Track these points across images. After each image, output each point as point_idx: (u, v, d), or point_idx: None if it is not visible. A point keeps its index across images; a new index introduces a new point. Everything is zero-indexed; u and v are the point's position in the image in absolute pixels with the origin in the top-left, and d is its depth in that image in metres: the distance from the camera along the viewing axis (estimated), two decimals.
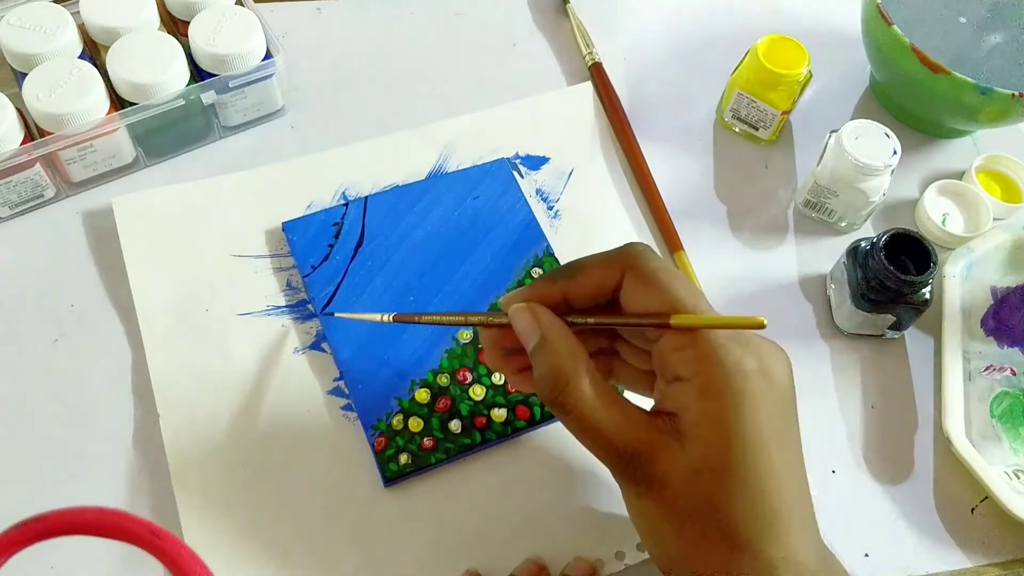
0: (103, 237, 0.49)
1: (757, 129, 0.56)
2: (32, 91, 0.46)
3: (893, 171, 0.50)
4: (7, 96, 0.47)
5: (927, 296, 0.47)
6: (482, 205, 0.51)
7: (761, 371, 0.32)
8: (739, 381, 0.32)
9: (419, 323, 0.40)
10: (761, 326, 0.31)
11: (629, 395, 0.37)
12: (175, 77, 0.49)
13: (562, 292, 0.36)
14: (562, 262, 0.49)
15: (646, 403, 0.35)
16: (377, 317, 0.41)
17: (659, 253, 0.51)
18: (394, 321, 0.40)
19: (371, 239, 0.49)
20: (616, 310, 0.36)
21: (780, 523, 0.32)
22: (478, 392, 0.45)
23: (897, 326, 0.49)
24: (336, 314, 0.46)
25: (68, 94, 0.46)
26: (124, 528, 0.23)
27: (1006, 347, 0.49)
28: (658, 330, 0.34)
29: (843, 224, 0.54)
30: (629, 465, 0.33)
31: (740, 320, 0.31)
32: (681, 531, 0.33)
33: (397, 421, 0.44)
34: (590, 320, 0.35)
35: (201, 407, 0.44)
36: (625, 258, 0.35)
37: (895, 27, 0.51)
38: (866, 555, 0.44)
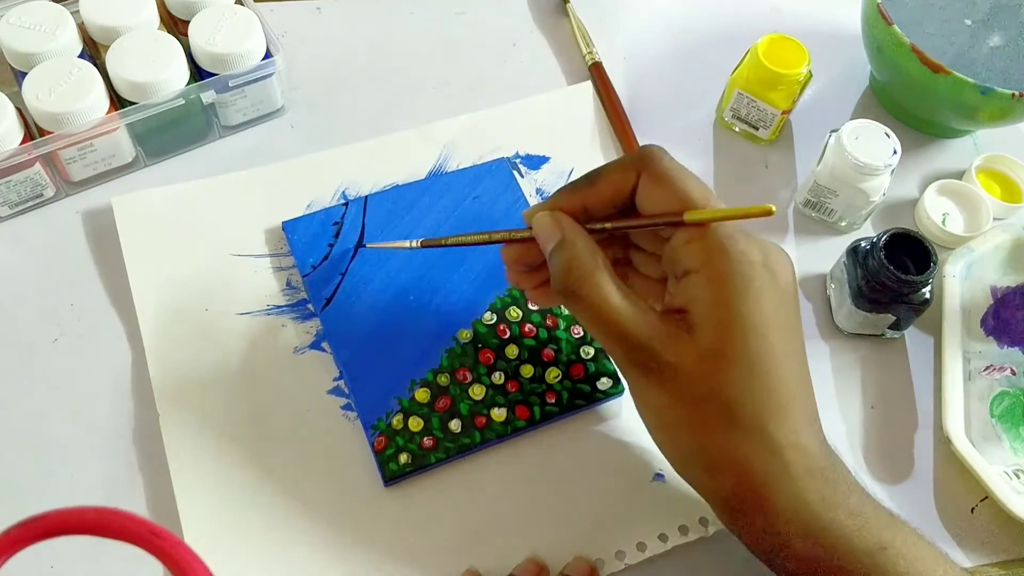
0: (103, 237, 0.49)
1: (757, 129, 0.56)
2: (32, 91, 0.46)
3: (893, 171, 0.50)
4: (7, 96, 0.47)
5: (927, 296, 0.47)
6: (482, 205, 0.51)
7: (765, 264, 0.34)
8: (745, 269, 0.33)
9: (446, 246, 0.42)
10: (769, 213, 0.33)
11: None
12: (175, 76, 0.49)
13: (582, 201, 0.37)
14: None
15: None
16: (406, 244, 0.43)
17: None
18: (422, 246, 0.42)
19: (371, 239, 0.49)
20: (633, 216, 0.37)
21: (786, 409, 0.33)
22: (478, 392, 0.45)
23: (897, 326, 0.49)
24: (368, 244, 0.48)
25: (68, 93, 0.46)
26: (124, 528, 0.23)
27: (1006, 347, 0.49)
28: (670, 229, 0.36)
29: (843, 224, 0.54)
30: (640, 354, 0.34)
31: (749, 209, 0.33)
32: (691, 418, 0.34)
33: (397, 421, 0.44)
34: (608, 225, 0.37)
35: (201, 407, 0.44)
36: (640, 160, 0.36)
37: (895, 27, 0.51)
38: None
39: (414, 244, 0.43)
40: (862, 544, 0.33)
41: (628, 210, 0.37)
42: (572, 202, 0.37)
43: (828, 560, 0.33)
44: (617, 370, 0.46)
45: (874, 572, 0.33)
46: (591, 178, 0.37)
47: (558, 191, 0.38)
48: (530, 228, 0.38)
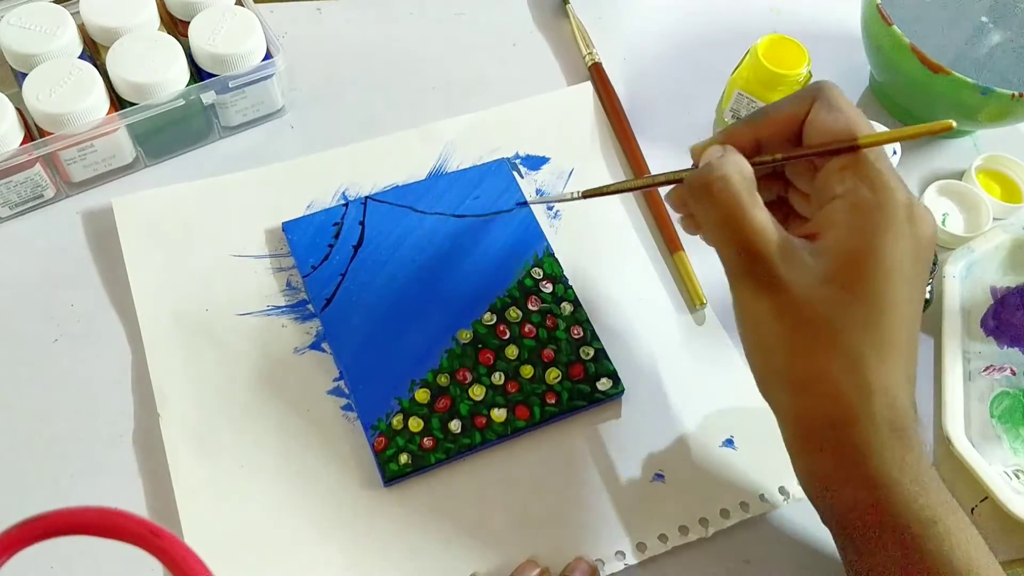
0: (103, 237, 0.49)
1: None
2: (32, 91, 0.46)
3: None
4: (7, 96, 0.47)
5: (927, 296, 0.47)
6: (482, 205, 0.51)
7: (909, 209, 0.34)
8: (890, 206, 0.33)
9: (608, 193, 0.43)
10: (949, 128, 0.33)
11: None
12: (175, 77, 0.49)
13: (755, 133, 0.37)
14: (562, 262, 0.49)
15: None
16: (568, 196, 0.44)
17: (658, 253, 0.52)
18: (583, 197, 0.43)
19: (371, 239, 0.49)
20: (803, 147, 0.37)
21: (888, 353, 0.33)
22: (478, 392, 0.45)
23: None
24: (529, 202, 0.51)
25: (68, 94, 0.47)
26: (124, 528, 0.23)
27: (1006, 347, 0.49)
28: (831, 157, 0.35)
29: None
30: (756, 264, 0.34)
31: (927, 127, 0.33)
32: (792, 336, 0.34)
33: (397, 421, 0.44)
34: (779, 156, 0.37)
35: (201, 407, 0.44)
36: (815, 89, 0.37)
37: (895, 27, 0.51)
38: None
39: (575, 195, 0.43)
40: (918, 512, 0.33)
41: (796, 145, 0.37)
42: (744, 134, 0.37)
43: (878, 515, 0.33)
44: (616, 370, 0.46)
45: (922, 542, 0.33)
46: (764, 111, 0.38)
47: (730, 125, 0.38)
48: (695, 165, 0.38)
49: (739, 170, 0.35)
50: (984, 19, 0.60)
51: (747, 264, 0.34)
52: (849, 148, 0.35)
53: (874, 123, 0.51)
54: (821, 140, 0.36)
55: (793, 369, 0.34)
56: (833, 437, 0.34)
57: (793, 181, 0.39)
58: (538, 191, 0.53)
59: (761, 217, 0.34)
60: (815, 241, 0.34)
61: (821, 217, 0.35)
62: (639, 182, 0.42)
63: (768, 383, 0.36)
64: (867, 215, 0.33)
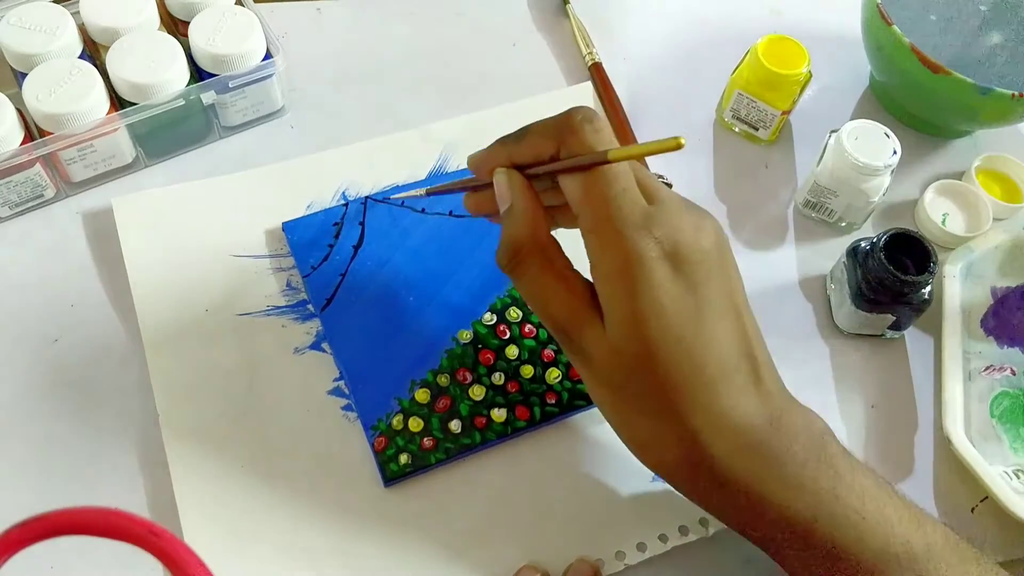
0: (103, 237, 0.49)
1: (757, 129, 0.56)
2: (32, 91, 0.46)
3: (893, 171, 0.50)
4: (7, 96, 0.47)
5: (927, 296, 0.47)
6: None
7: (667, 252, 0.33)
8: (636, 270, 0.33)
9: (445, 192, 0.44)
10: (679, 146, 0.30)
11: None
12: (175, 77, 0.49)
13: (509, 156, 0.38)
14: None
15: None
16: (417, 192, 0.46)
17: None
18: (427, 194, 0.45)
19: (371, 239, 0.49)
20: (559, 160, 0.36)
21: (701, 393, 0.34)
22: (478, 392, 0.45)
23: (897, 326, 0.49)
24: (393, 197, 0.51)
25: (68, 94, 0.46)
26: (124, 528, 0.23)
27: (1006, 347, 0.49)
28: (574, 210, 0.35)
29: (843, 224, 0.54)
30: (565, 337, 0.36)
31: (660, 144, 0.31)
32: (614, 401, 0.36)
33: (397, 421, 0.44)
34: (540, 170, 0.37)
35: (201, 407, 0.44)
36: (560, 130, 0.35)
37: (895, 27, 0.51)
38: None
39: (421, 192, 0.45)
40: (793, 517, 0.34)
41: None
42: (500, 157, 0.38)
43: (770, 529, 0.35)
44: None
45: (811, 540, 0.34)
46: (518, 136, 0.37)
47: (494, 143, 0.38)
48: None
49: (533, 235, 0.36)
50: (984, 19, 0.60)
51: (560, 337, 0.36)
52: (601, 162, 0.34)
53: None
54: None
55: (627, 429, 0.36)
56: (691, 480, 0.36)
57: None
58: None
59: (563, 291, 0.35)
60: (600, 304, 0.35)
61: (594, 282, 0.35)
62: (466, 183, 0.41)
63: (617, 433, 0.37)
64: (619, 285, 0.33)
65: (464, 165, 0.53)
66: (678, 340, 0.33)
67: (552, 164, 0.36)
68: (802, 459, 0.34)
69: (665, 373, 0.33)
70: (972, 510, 0.45)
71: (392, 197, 0.50)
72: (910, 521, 0.35)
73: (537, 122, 0.37)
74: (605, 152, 0.34)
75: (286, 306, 0.48)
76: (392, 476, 0.42)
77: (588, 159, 0.34)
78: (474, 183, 0.41)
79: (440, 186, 0.45)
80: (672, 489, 0.44)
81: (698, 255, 0.34)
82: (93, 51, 0.52)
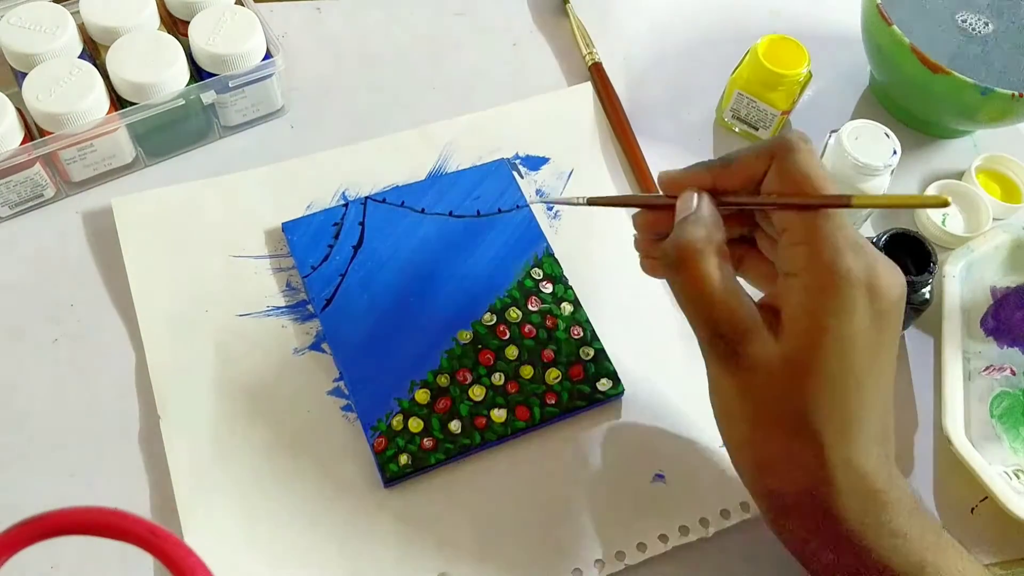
0: (103, 237, 0.49)
1: (757, 129, 0.56)
2: (32, 91, 0.46)
3: (893, 171, 0.50)
4: (7, 96, 0.47)
5: (927, 296, 0.47)
6: (482, 206, 0.51)
7: (868, 282, 0.33)
8: (843, 287, 0.33)
9: (610, 206, 0.42)
10: (945, 204, 0.33)
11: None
12: (175, 77, 0.49)
13: (712, 180, 0.37)
14: (563, 263, 0.49)
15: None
16: (575, 200, 0.42)
17: None
18: (588, 203, 0.42)
19: (371, 239, 0.49)
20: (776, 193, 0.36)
21: (850, 428, 0.33)
22: (478, 393, 0.45)
23: None
24: (531, 202, 0.51)
25: (68, 94, 0.46)
26: (124, 528, 0.23)
27: (1006, 347, 0.49)
28: (782, 225, 0.35)
29: None
30: (721, 341, 0.34)
31: (923, 198, 0.33)
32: (755, 414, 0.34)
33: (397, 422, 0.44)
34: (745, 200, 0.36)
35: (201, 407, 0.44)
36: (778, 150, 0.35)
37: (895, 27, 0.51)
38: None
39: (581, 200, 0.42)
40: (902, 561, 0.34)
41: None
42: (703, 179, 0.37)
43: (860, 572, 0.34)
44: (616, 370, 0.46)
45: None
46: (726, 160, 0.37)
47: (695, 165, 0.38)
48: (673, 197, 0.38)
49: (710, 238, 0.35)
50: (984, 19, 0.60)
51: (714, 340, 0.35)
52: (844, 204, 0.33)
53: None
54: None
55: (756, 448, 0.35)
56: (797, 509, 0.35)
57: (761, 223, 0.39)
58: (538, 191, 0.53)
59: (729, 296, 0.34)
60: (776, 316, 0.34)
61: (780, 290, 0.35)
62: (644, 199, 0.41)
63: (734, 453, 0.37)
64: (820, 298, 0.33)
65: (463, 165, 0.53)
66: (851, 368, 0.33)
67: (780, 197, 0.35)
68: (909, 510, 0.35)
69: (828, 397, 0.33)
70: (972, 510, 0.45)
71: (540, 200, 0.51)
72: None
73: (745, 147, 0.37)
74: (849, 197, 0.33)
75: (286, 306, 0.48)
76: (392, 476, 0.42)
77: (832, 199, 0.34)
78: (647, 201, 0.40)
79: (604, 198, 0.42)
80: (672, 489, 0.44)
81: (889, 299, 0.34)
82: (93, 51, 0.52)
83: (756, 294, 0.37)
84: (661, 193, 0.38)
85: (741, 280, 0.38)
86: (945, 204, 0.32)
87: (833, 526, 0.34)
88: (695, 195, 0.36)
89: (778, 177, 0.35)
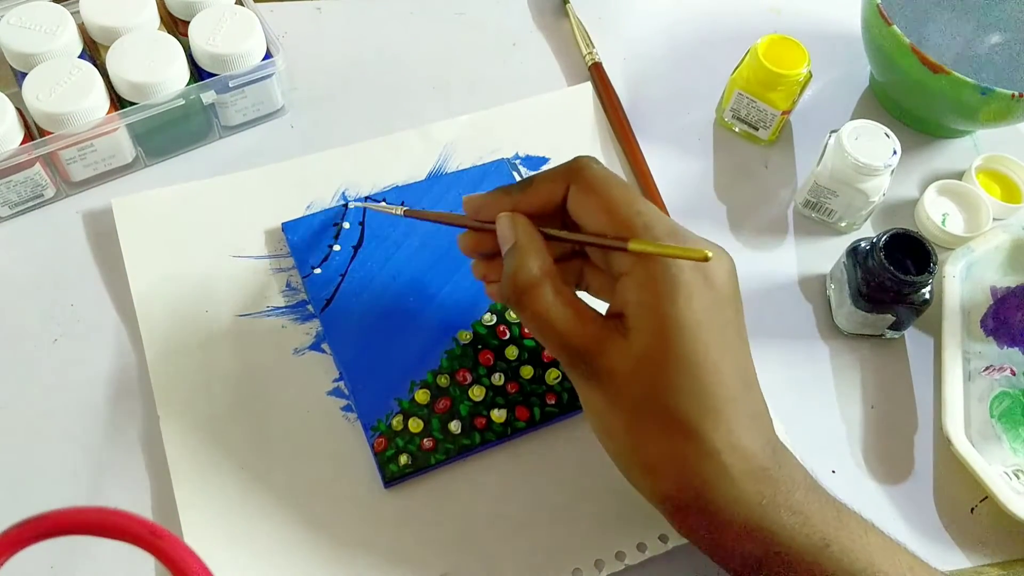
0: (103, 237, 0.49)
1: (757, 129, 0.56)
2: (32, 91, 0.46)
3: (893, 171, 0.50)
4: (7, 96, 0.47)
5: (927, 296, 0.47)
6: None
7: (696, 266, 0.34)
8: (673, 272, 0.34)
9: (424, 219, 0.44)
10: (705, 259, 0.32)
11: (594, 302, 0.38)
12: (175, 77, 0.49)
13: (513, 205, 0.38)
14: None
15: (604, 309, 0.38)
16: (392, 209, 0.45)
17: None
18: (404, 215, 0.45)
19: (371, 240, 0.49)
20: (581, 231, 0.38)
21: (722, 410, 0.34)
22: (478, 393, 0.45)
23: (897, 326, 0.49)
24: (351, 204, 0.50)
25: (68, 94, 0.46)
26: (124, 528, 0.23)
27: (1006, 347, 0.49)
28: (602, 228, 0.36)
29: (843, 224, 0.54)
30: (580, 360, 0.35)
31: (686, 251, 0.33)
32: (630, 421, 0.35)
33: (397, 422, 0.44)
34: (561, 234, 0.38)
35: (201, 407, 0.44)
36: (569, 171, 0.37)
37: (895, 27, 0.51)
38: None
39: (398, 211, 0.45)
40: (805, 541, 0.34)
41: (562, 216, 0.38)
42: (504, 204, 0.38)
43: (769, 558, 0.34)
44: None
45: (816, 569, 0.34)
46: (523, 185, 0.38)
47: (496, 189, 0.39)
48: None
49: (541, 268, 0.36)
50: (984, 19, 0.60)
51: (572, 362, 0.36)
52: (620, 248, 0.35)
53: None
54: (582, 218, 0.37)
55: (640, 452, 0.35)
56: (696, 504, 0.34)
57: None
58: None
59: (574, 318, 0.35)
60: (621, 319, 0.35)
61: (618, 294, 0.36)
62: (451, 217, 0.42)
63: (624, 467, 0.37)
64: (655, 289, 0.34)
65: (463, 165, 0.53)
66: (705, 352, 0.33)
67: (571, 234, 0.37)
68: (804, 487, 0.35)
69: (689, 384, 0.33)
70: (972, 510, 0.45)
71: (368, 206, 0.50)
72: (907, 553, 0.36)
73: (540, 172, 0.38)
74: (626, 240, 0.34)
75: (286, 307, 0.48)
76: (392, 477, 0.42)
77: (608, 243, 0.35)
78: (463, 221, 0.41)
79: (420, 212, 0.44)
80: None
81: (721, 277, 0.35)
82: (93, 51, 0.52)
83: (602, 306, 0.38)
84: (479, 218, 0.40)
85: (585, 295, 0.40)
86: (705, 259, 0.32)
87: (733, 514, 0.34)
88: (508, 219, 0.38)
89: (581, 195, 0.37)
